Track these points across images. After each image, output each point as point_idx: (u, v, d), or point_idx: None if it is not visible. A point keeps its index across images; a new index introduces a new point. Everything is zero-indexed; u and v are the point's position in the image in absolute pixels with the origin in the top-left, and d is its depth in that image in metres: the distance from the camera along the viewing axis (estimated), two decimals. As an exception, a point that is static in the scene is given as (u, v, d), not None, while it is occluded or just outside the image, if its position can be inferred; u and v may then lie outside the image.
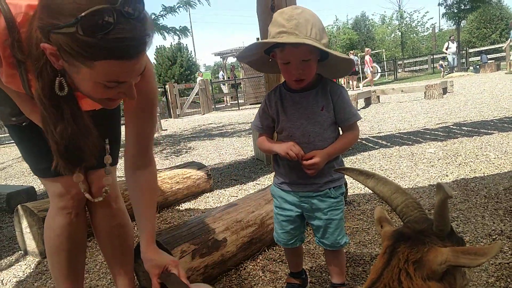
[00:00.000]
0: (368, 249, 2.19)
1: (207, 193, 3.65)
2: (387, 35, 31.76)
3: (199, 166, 3.66)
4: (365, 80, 18.55)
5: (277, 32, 1.35)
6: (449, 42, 18.69)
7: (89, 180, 1.58)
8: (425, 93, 10.12)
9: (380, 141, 5.31)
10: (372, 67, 18.30)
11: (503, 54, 19.63)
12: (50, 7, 0.93)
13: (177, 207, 3.31)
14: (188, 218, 2.99)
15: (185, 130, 9.95)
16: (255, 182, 3.94)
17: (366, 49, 19.84)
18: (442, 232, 0.98)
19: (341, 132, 1.55)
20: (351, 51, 20.46)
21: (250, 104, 16.81)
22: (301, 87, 1.45)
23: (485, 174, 3.31)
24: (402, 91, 10.67)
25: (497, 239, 2.12)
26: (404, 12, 30.92)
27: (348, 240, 1.66)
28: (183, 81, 22.09)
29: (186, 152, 6.39)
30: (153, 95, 1.36)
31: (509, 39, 15.87)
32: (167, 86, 15.15)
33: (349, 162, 4.35)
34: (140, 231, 1.47)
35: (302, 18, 1.33)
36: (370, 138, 5.70)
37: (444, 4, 21.56)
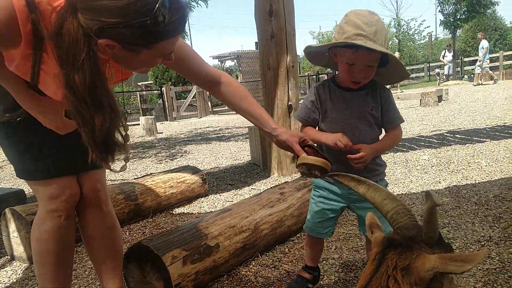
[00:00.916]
0: (361, 254, 2.21)
1: (201, 198, 3.65)
2: (384, 42, 32.03)
3: (194, 170, 3.66)
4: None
5: (354, 34, 1.41)
6: (446, 50, 18.84)
7: (81, 182, 1.59)
8: (420, 101, 10.20)
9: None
10: None
11: (497, 63, 19.85)
12: (104, 8, 1.01)
13: (170, 211, 3.30)
14: (181, 223, 2.99)
15: (181, 134, 9.94)
16: (251, 187, 3.95)
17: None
18: (431, 239, 0.99)
19: (383, 133, 1.64)
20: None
21: (247, 109, 16.79)
22: (356, 87, 1.54)
23: (477, 181, 3.34)
24: (398, 98, 10.74)
25: (485, 245, 2.15)
26: (402, 19, 31.20)
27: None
28: (180, 84, 22.06)
29: (182, 156, 6.38)
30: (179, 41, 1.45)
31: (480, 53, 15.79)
32: (163, 89, 15.12)
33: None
34: (259, 119, 1.56)
35: (380, 25, 1.42)
36: (365, 144, 5.72)
37: (443, 12, 21.81)
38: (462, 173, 3.64)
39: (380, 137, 1.63)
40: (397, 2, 31.19)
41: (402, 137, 1.69)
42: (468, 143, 5.00)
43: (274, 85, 4.03)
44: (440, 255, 0.94)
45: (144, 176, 3.52)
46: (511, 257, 1.98)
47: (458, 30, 24.00)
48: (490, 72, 15.77)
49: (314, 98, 1.62)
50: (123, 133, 1.32)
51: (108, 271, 1.71)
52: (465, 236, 2.28)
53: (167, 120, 14.50)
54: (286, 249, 2.33)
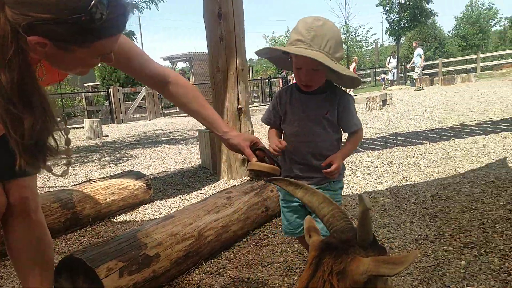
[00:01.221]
0: (305, 257, 2.21)
1: (146, 204, 3.51)
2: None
3: (138, 176, 3.52)
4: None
5: (295, 39, 1.45)
6: (391, 57, 19.80)
7: (7, 190, 1.46)
8: (366, 105, 10.61)
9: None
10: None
11: (436, 70, 21.20)
12: (34, 2, 0.93)
13: (111, 220, 3.13)
14: (123, 231, 2.85)
15: (128, 137, 9.59)
16: (199, 191, 3.87)
17: (354, 57, 20.23)
18: (365, 241, 1.00)
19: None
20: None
21: (199, 111, 16.58)
22: (309, 91, 1.57)
23: (415, 182, 3.51)
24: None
25: (422, 243, 2.24)
26: (350, 26, 32.40)
27: None
28: (129, 85, 21.37)
29: (127, 160, 6.14)
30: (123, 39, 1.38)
31: (412, 59, 16.94)
32: (110, 90, 14.54)
33: (292, 170, 4.41)
34: (210, 121, 1.52)
35: (320, 30, 1.43)
36: (313, 147, 5.84)
37: (388, 20, 22.94)
38: (402, 174, 3.81)
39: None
40: (345, 10, 32.31)
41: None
42: (408, 145, 5.25)
43: (224, 88, 3.99)
44: (373, 258, 0.94)
45: (83, 182, 3.32)
46: (445, 254, 2.08)
47: (402, 38, 25.32)
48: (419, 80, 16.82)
49: (275, 101, 1.68)
50: (64, 137, 1.26)
51: (36, 285, 1.58)
52: (403, 236, 2.37)
53: (114, 123, 13.95)
54: (232, 255, 2.28)
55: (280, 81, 18.60)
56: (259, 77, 22.14)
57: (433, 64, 23.24)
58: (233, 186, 2.76)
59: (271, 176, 1.40)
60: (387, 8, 22.47)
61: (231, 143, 1.49)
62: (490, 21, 30.76)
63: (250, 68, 22.33)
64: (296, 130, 1.61)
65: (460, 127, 6.35)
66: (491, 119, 6.76)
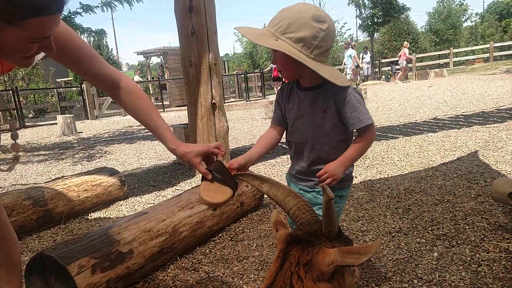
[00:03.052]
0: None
1: (120, 201, 3.45)
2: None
3: (112, 172, 3.46)
4: (399, 75, 18.35)
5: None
6: (363, 52, 20.05)
7: None
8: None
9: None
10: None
11: (410, 65, 21.64)
12: None
13: (85, 217, 3.08)
14: (96, 228, 2.80)
15: (103, 133, 9.41)
16: (175, 188, 3.83)
17: (405, 42, 19.77)
18: (331, 233, 1.01)
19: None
20: (274, 57, 20.90)
21: (176, 106, 16.40)
22: (285, 78, 1.46)
23: (389, 176, 3.58)
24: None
25: (395, 236, 2.29)
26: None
27: None
28: (103, 81, 20.91)
29: (101, 156, 6.02)
30: (66, 31, 1.30)
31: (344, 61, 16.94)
32: (83, 85, 14.19)
33: (268, 165, 4.43)
34: (158, 134, 1.43)
35: (281, 12, 1.34)
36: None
37: (360, 16, 23.23)
38: (376, 168, 3.88)
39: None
40: (319, 4, 32.44)
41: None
42: (383, 139, 5.36)
43: (197, 83, 3.95)
44: (339, 248, 0.96)
45: (55, 179, 3.24)
46: (418, 246, 2.14)
47: (376, 33, 25.72)
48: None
49: (277, 98, 1.57)
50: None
51: (3, 285, 1.53)
52: (377, 228, 2.42)
53: (88, 119, 13.65)
54: (207, 250, 2.28)
55: (275, 71, 18.34)
56: (234, 72, 22.04)
57: (408, 59, 23.67)
58: (208, 182, 2.75)
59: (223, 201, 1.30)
60: (359, 4, 22.76)
61: (183, 159, 1.41)
62: (461, 17, 31.55)
63: (226, 63, 22.17)
64: (291, 130, 1.49)
65: (433, 121, 6.51)
66: (463, 113, 6.96)
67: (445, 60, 22.69)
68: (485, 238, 2.16)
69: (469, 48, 25.00)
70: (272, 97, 15.06)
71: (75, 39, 1.33)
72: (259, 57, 30.06)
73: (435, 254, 2.05)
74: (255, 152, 1.50)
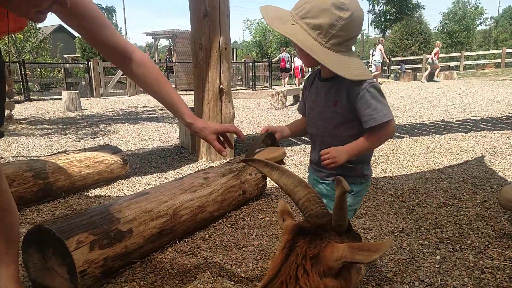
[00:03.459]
0: (280, 241, 2.20)
1: (121, 180, 3.43)
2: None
3: (114, 150, 3.43)
4: (427, 73, 18.16)
5: None
6: (373, 49, 19.79)
7: None
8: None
9: (302, 137, 5.45)
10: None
11: (420, 65, 21.43)
12: None
13: (85, 193, 3.06)
14: (92, 206, 2.78)
15: (107, 111, 9.38)
16: (176, 171, 3.81)
17: (437, 42, 19.71)
18: (340, 227, 0.98)
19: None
20: (283, 47, 20.71)
21: (182, 90, 16.34)
22: (304, 64, 1.48)
23: (394, 175, 3.54)
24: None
25: (398, 236, 2.26)
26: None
27: None
28: (111, 60, 20.83)
29: (105, 134, 6.00)
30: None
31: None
32: (90, 63, 14.13)
33: (272, 155, 4.39)
34: (172, 107, 1.41)
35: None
36: (295, 133, 5.83)
37: (373, 12, 22.93)
38: (381, 166, 3.84)
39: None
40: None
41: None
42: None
43: (206, 67, 3.90)
44: (349, 244, 0.92)
45: (57, 153, 3.22)
46: (420, 248, 2.10)
47: (388, 30, 25.44)
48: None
49: (303, 88, 1.56)
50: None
51: (2, 255, 1.51)
52: (380, 227, 2.38)
53: (93, 97, 13.62)
54: (207, 235, 2.26)
55: (283, 62, 18.08)
56: (242, 60, 21.87)
57: (418, 59, 23.40)
58: (211, 167, 2.72)
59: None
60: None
61: (199, 135, 1.40)
62: (476, 19, 31.13)
63: (234, 50, 21.97)
64: (308, 120, 1.47)
65: (440, 123, 6.44)
66: (471, 118, 6.88)
67: (456, 63, 22.41)
68: (489, 245, 2.12)
69: (481, 52, 24.70)
70: (279, 88, 14.97)
71: (89, 3, 1.28)
72: (268, 46, 29.79)
73: (438, 257, 2.01)
74: (288, 128, 1.55)
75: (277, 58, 19.32)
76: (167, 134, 5.99)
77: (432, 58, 17.25)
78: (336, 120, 1.36)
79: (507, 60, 20.93)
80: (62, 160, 2.95)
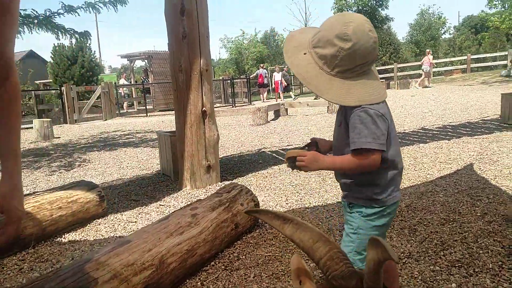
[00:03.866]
0: (282, 282, 1.99)
1: (98, 219, 3.14)
2: (294, 51, 33.11)
3: (90, 186, 3.15)
4: (421, 79, 18.34)
5: None
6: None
7: None
8: (328, 107, 10.63)
9: (289, 155, 5.29)
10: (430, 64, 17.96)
11: (392, 74, 21.89)
12: None
13: (58, 239, 2.75)
14: (71, 253, 2.49)
15: (82, 138, 8.98)
16: (159, 203, 3.55)
17: (427, 50, 19.93)
18: (373, 292, 0.79)
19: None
20: (261, 64, 20.79)
21: (160, 111, 16.03)
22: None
23: (388, 191, 3.39)
24: (308, 105, 11.09)
25: (407, 262, 2.09)
26: (310, 29, 32.51)
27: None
28: (84, 83, 20.34)
29: (80, 165, 5.66)
30: None
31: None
32: (63, 88, 13.66)
33: (260, 176, 4.20)
34: None
35: (324, 22, 1.38)
36: (280, 151, 5.67)
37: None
38: (373, 182, 3.69)
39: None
40: (306, 13, 32.57)
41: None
42: (375, 150, 5.19)
43: (187, 89, 3.70)
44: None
45: (25, 195, 2.91)
46: (433, 275, 1.94)
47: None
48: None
49: None
50: None
51: None
52: (385, 253, 2.21)
53: (67, 123, 13.13)
54: (198, 283, 2.01)
55: (260, 78, 18.23)
56: (220, 78, 21.80)
57: (389, 68, 23.93)
58: (198, 200, 2.49)
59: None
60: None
61: None
62: (440, 29, 32.20)
63: (212, 68, 21.91)
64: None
65: (422, 131, 6.42)
66: (450, 124, 6.91)
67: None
68: (503, 265, 1.98)
69: (448, 59, 25.45)
70: (259, 103, 14.87)
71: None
72: (245, 63, 29.92)
73: (453, 285, 1.86)
74: (329, 142, 1.56)
75: (254, 74, 19.39)
76: (146, 160, 5.71)
77: (427, 64, 17.64)
78: (342, 140, 1.42)
79: (472, 65, 21.68)
80: (30, 204, 2.66)
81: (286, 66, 18.38)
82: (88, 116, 14.27)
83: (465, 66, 21.73)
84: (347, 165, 1.36)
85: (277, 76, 18.13)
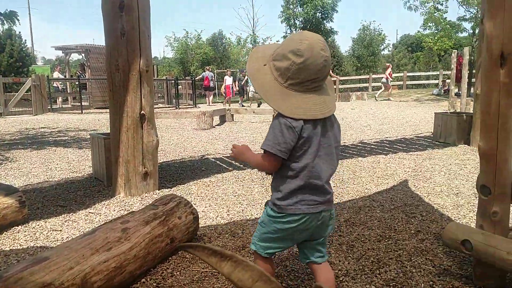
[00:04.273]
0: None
1: (18, 226, 2.82)
2: (241, 56, 33.21)
3: (8, 191, 2.82)
4: (380, 91, 18.70)
5: None
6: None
7: None
8: (273, 116, 10.71)
9: (233, 162, 5.20)
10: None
11: (334, 86, 22.75)
12: None
13: (-34, 250, 2.43)
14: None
15: (7, 134, 8.21)
16: (88, 210, 3.27)
17: (387, 64, 20.16)
18: None
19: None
20: (207, 67, 20.52)
21: (97, 108, 15.18)
22: None
23: (328, 204, 3.42)
24: (254, 112, 11.11)
25: (343, 281, 2.08)
26: (258, 37, 32.92)
27: (254, 248, 1.55)
28: (12, 74, 18.76)
29: (1, 164, 5.13)
30: None
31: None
32: (-13, 79, 12.48)
33: (202, 184, 4.06)
34: None
35: (287, 37, 1.61)
36: (224, 158, 5.56)
37: (290, 34, 23.97)
38: (314, 194, 3.71)
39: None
40: (253, 19, 32.74)
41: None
42: (316, 161, 5.27)
43: (124, 90, 3.47)
44: None
45: None
46: (369, 294, 1.94)
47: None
48: None
49: None
50: None
51: None
52: (323, 271, 2.19)
53: (-9, 116, 11.99)
54: (126, 303, 1.85)
55: (206, 80, 17.84)
56: (164, 77, 21.20)
57: (333, 80, 24.87)
58: (131, 213, 2.30)
59: None
60: (290, 23, 23.45)
61: None
62: (380, 45, 34.07)
63: (155, 67, 21.24)
64: None
65: (361, 145, 6.65)
66: (387, 138, 7.24)
67: (365, 85, 24.18)
68: (434, 285, 2.04)
69: (385, 75, 26.97)
70: (204, 107, 14.65)
71: None
72: (190, 64, 29.38)
73: (388, 305, 1.86)
74: None
75: (200, 76, 19.06)
76: (78, 162, 5.31)
77: (386, 77, 18.35)
78: None
79: (408, 82, 23.15)
80: None
81: (244, 70, 18.38)
82: (16, 110, 13.17)
83: (401, 82, 23.12)
84: (256, 163, 1.56)
85: (228, 80, 18.03)
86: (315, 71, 1.43)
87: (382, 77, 19.22)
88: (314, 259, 1.60)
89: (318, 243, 1.61)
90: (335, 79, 17.95)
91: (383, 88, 18.91)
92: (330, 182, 1.61)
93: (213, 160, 5.46)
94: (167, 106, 16.87)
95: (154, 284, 2.01)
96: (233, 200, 3.54)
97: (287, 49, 1.44)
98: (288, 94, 1.46)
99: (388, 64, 20.44)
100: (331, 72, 17.88)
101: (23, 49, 21.24)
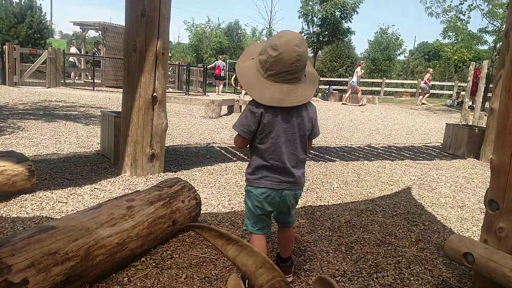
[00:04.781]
0: (213, 287, 1.91)
1: (25, 194, 2.88)
2: (255, 48, 32.99)
3: (19, 158, 2.87)
4: (420, 97, 18.52)
5: None
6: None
7: None
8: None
9: (238, 153, 5.23)
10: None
11: (346, 87, 22.60)
12: None
13: (-26, 212, 2.48)
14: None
15: (20, 103, 8.30)
16: (94, 185, 3.32)
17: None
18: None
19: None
20: (220, 56, 20.46)
21: (107, 87, 15.24)
22: None
23: (329, 203, 3.44)
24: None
25: (340, 281, 2.10)
26: (274, 30, 32.73)
27: (245, 227, 1.94)
28: (30, 45, 18.85)
29: (12, 132, 5.19)
30: None
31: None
32: (5, 47, 12.52)
33: (205, 172, 4.09)
34: None
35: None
36: (229, 148, 5.58)
37: (307, 31, 23.67)
38: (316, 193, 3.73)
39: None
40: (271, 12, 32.59)
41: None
42: (321, 160, 5.28)
43: (139, 71, 3.49)
44: None
45: None
46: (363, 296, 1.96)
47: (320, 51, 26.41)
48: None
49: None
50: None
51: None
52: (321, 269, 2.21)
53: (6, 85, 12.10)
54: (125, 279, 1.88)
55: (217, 69, 17.81)
56: (177, 63, 21.19)
57: (343, 81, 24.64)
58: (136, 192, 2.33)
59: None
60: (308, 20, 23.18)
61: None
62: (397, 50, 33.69)
63: (168, 52, 21.24)
64: None
65: (368, 148, 6.63)
66: (395, 145, 7.21)
67: (377, 88, 23.98)
68: (430, 294, 2.05)
69: (399, 81, 26.70)
70: (213, 95, 14.67)
71: None
72: (204, 51, 29.32)
73: (381, 308, 1.88)
74: None
75: (212, 64, 19.00)
76: (86, 138, 5.37)
77: (425, 82, 18.18)
78: None
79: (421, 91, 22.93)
80: None
81: None
82: (30, 81, 13.26)
83: (414, 90, 22.90)
84: (234, 140, 1.84)
85: None
86: (288, 64, 1.62)
87: (421, 83, 18.91)
88: (282, 223, 1.97)
89: (284, 214, 1.92)
90: (360, 74, 17.73)
91: (425, 94, 18.68)
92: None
93: (218, 149, 5.49)
94: (177, 91, 16.89)
95: (154, 264, 2.05)
96: (235, 190, 3.56)
97: (268, 44, 1.65)
98: (265, 83, 1.67)
99: (430, 69, 20.20)
100: (360, 68, 17.88)
101: (42, 21, 21.30)
